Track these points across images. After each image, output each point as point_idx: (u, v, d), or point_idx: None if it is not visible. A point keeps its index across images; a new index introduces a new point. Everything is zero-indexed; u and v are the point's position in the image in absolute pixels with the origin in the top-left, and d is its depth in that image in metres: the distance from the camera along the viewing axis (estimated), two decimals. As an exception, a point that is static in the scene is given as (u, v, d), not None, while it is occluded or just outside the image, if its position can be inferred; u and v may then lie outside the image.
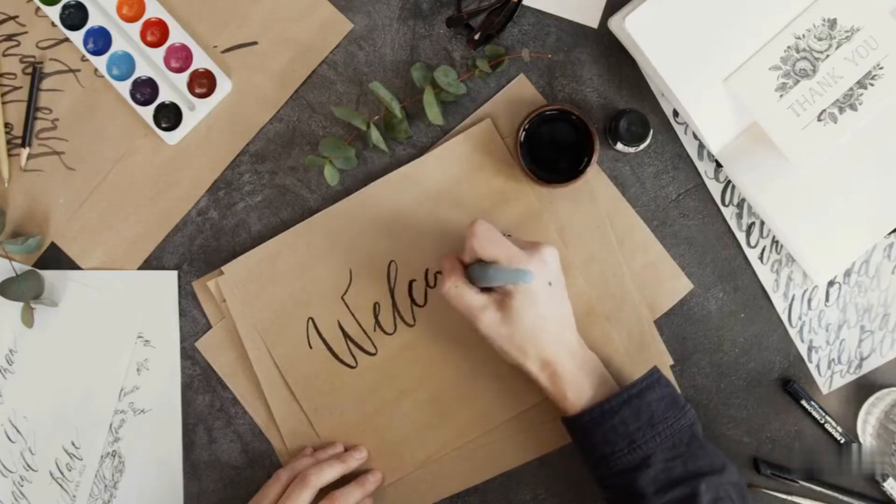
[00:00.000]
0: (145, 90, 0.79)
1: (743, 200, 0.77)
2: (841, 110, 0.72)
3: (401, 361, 0.78)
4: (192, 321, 0.80)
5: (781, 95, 0.72)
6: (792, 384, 0.77)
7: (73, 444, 0.80)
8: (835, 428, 0.76)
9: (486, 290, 0.69)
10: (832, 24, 0.71)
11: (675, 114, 0.77)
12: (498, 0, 0.75)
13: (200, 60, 0.78)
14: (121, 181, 0.80)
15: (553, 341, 0.69)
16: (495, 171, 0.77)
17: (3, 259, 0.79)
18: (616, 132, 0.74)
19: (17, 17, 0.80)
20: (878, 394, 0.76)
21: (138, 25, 0.78)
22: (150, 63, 0.79)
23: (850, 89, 0.72)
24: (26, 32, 0.80)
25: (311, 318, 0.78)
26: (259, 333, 0.78)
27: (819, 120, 0.72)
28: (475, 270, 0.69)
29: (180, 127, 0.79)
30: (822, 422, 0.76)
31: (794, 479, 0.76)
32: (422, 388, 0.78)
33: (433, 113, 0.75)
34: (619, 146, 0.75)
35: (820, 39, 0.71)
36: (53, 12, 0.78)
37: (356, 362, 0.78)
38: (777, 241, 0.77)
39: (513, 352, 0.69)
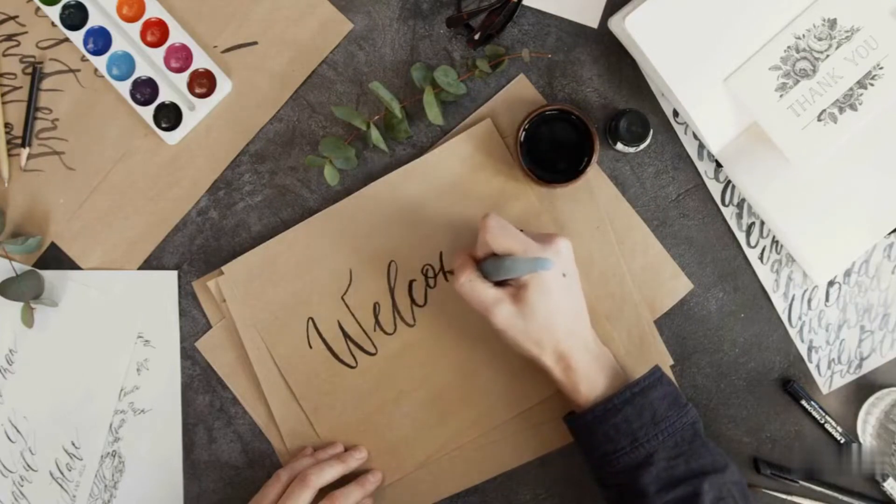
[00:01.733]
0: (145, 90, 0.79)
1: (743, 200, 0.77)
2: (841, 110, 0.72)
3: (401, 361, 0.78)
4: (192, 321, 0.80)
5: (781, 95, 0.72)
6: (792, 384, 0.77)
7: (73, 444, 0.80)
8: (835, 428, 0.76)
9: (499, 284, 0.69)
10: (832, 24, 0.71)
11: (675, 114, 0.77)
12: (498, 0, 0.75)
13: (200, 60, 0.78)
14: (121, 181, 0.80)
15: (568, 334, 0.68)
16: (495, 170, 0.77)
17: (3, 259, 0.79)
18: (616, 132, 0.74)
19: (17, 17, 0.80)
20: (878, 394, 0.76)
21: (138, 25, 0.78)
22: (150, 63, 0.79)
23: (850, 89, 0.72)
24: (26, 32, 0.80)
25: (311, 318, 0.78)
26: (259, 333, 0.78)
27: (819, 120, 0.72)
28: (489, 265, 0.69)
29: (180, 127, 0.79)
30: (822, 422, 0.76)
31: (794, 479, 0.76)
32: (422, 387, 0.78)
33: (433, 113, 0.75)
34: (619, 146, 0.75)
35: (820, 39, 0.71)
36: (53, 12, 0.78)
37: (356, 362, 0.78)
38: (777, 241, 0.77)
39: (528, 345, 0.68)
